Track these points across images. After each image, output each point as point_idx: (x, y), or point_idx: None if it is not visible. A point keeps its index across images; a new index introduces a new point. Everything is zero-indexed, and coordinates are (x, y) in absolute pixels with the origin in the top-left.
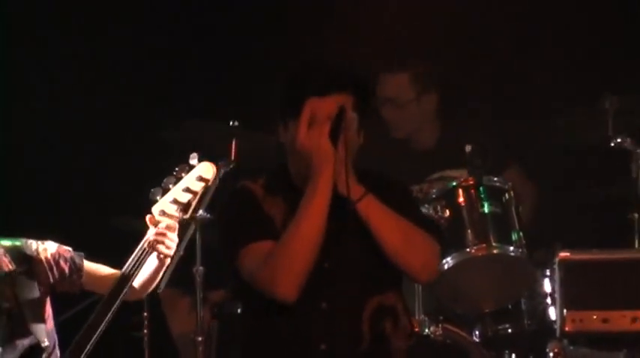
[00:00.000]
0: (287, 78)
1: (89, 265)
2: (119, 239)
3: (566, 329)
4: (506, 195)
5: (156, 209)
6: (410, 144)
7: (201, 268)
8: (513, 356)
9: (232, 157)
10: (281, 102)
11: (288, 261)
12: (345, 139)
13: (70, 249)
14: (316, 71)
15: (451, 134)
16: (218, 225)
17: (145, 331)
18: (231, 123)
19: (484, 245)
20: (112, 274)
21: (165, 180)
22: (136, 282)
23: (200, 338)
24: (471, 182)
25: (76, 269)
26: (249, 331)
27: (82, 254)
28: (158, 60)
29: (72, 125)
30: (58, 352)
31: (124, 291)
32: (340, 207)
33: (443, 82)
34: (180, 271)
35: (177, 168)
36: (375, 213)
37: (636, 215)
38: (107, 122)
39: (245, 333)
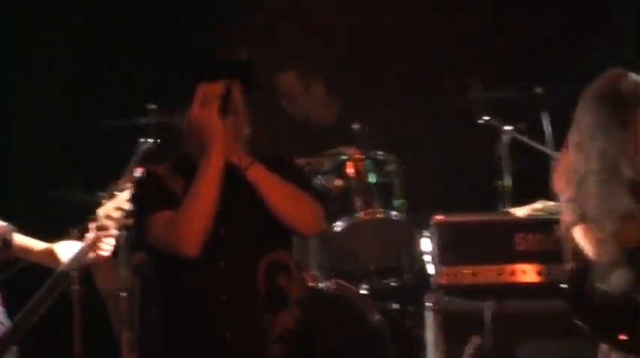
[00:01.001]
0: (184, 71)
1: (21, 240)
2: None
3: (441, 282)
4: (390, 166)
5: (100, 211)
6: (309, 124)
7: (124, 233)
8: (396, 306)
9: None
10: (179, 92)
11: (189, 221)
12: (233, 115)
13: (4, 224)
14: (208, 62)
15: (344, 114)
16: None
17: (77, 287)
18: None
19: (370, 210)
20: (44, 249)
21: (112, 186)
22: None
23: (123, 294)
24: (358, 155)
25: (5, 245)
26: (161, 288)
27: (14, 228)
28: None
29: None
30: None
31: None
32: (232, 175)
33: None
34: None
35: (122, 179)
36: (263, 179)
37: (500, 183)
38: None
39: (159, 290)
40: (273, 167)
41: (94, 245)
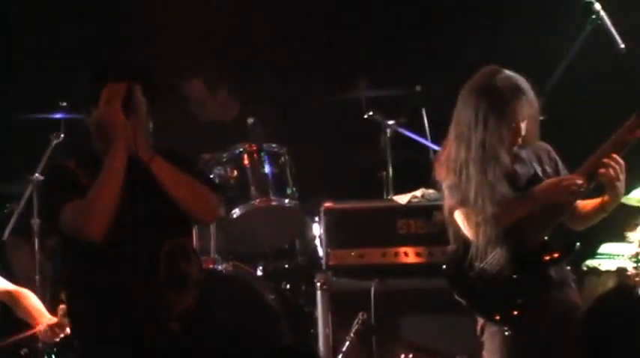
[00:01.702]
0: (90, 73)
1: None
2: None
3: (331, 263)
4: (282, 158)
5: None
6: (215, 122)
7: (37, 220)
8: (289, 286)
9: None
10: (85, 92)
11: (95, 208)
12: (135, 113)
13: None
14: (113, 65)
15: (242, 110)
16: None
17: None
18: None
19: (265, 198)
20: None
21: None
22: None
23: (37, 277)
24: (254, 148)
25: None
26: (71, 271)
27: None
28: None
29: None
30: None
31: None
32: (136, 167)
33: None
34: (21, 222)
35: None
36: (164, 171)
37: (384, 173)
38: None
39: (68, 273)
40: (172, 160)
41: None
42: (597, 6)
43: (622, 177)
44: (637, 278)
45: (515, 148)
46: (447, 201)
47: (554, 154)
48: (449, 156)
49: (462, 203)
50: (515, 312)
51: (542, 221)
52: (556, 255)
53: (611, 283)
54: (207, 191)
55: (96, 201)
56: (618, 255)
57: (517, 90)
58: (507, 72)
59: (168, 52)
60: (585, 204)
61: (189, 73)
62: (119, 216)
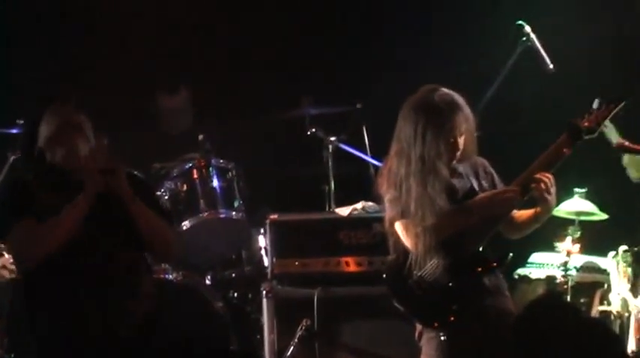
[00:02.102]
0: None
1: None
2: None
3: (276, 272)
4: (230, 173)
5: None
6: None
7: None
8: (236, 294)
9: None
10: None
11: (43, 246)
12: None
13: None
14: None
15: (197, 127)
16: None
17: None
18: None
19: (213, 211)
20: None
21: None
22: None
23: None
24: (203, 163)
25: None
26: (29, 281)
27: None
28: None
29: None
30: None
31: None
32: (106, 199)
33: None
34: None
35: None
36: (143, 215)
37: (327, 187)
38: None
39: (27, 283)
40: (133, 184)
41: None
42: (527, 28)
43: (553, 191)
44: (565, 286)
45: (454, 163)
46: (388, 212)
47: (490, 169)
48: (390, 171)
49: (402, 215)
50: (451, 318)
51: (478, 232)
52: (490, 265)
53: (541, 290)
54: (171, 234)
55: (46, 241)
56: (548, 264)
57: (454, 107)
58: (445, 89)
59: (132, 65)
60: (520, 215)
61: (153, 85)
62: (85, 230)
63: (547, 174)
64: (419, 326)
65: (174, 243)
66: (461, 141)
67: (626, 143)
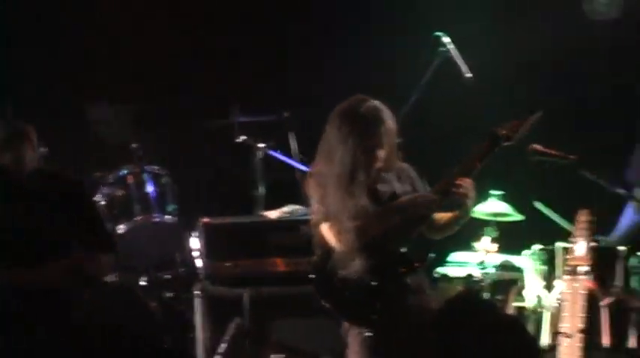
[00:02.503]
0: None
1: None
2: None
3: (208, 273)
4: (164, 178)
5: None
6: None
7: None
8: (170, 294)
9: None
10: None
11: None
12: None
13: None
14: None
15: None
16: None
17: None
18: None
19: (147, 215)
20: None
21: None
22: None
23: None
24: (137, 169)
25: None
26: None
27: None
28: None
29: None
30: None
31: None
32: (24, 190)
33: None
34: None
35: None
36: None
37: (256, 191)
38: None
39: None
40: (74, 198)
41: None
42: (445, 39)
43: (472, 195)
44: (483, 284)
45: (376, 169)
46: (314, 215)
47: (412, 173)
48: (316, 174)
49: (327, 216)
50: (375, 316)
51: (400, 233)
52: (412, 265)
53: (460, 288)
54: (106, 256)
55: None
56: (466, 263)
57: (378, 119)
58: (373, 102)
59: (72, 74)
60: (440, 218)
61: (94, 95)
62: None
63: (467, 180)
64: (345, 324)
65: (106, 267)
66: (381, 152)
67: (539, 147)
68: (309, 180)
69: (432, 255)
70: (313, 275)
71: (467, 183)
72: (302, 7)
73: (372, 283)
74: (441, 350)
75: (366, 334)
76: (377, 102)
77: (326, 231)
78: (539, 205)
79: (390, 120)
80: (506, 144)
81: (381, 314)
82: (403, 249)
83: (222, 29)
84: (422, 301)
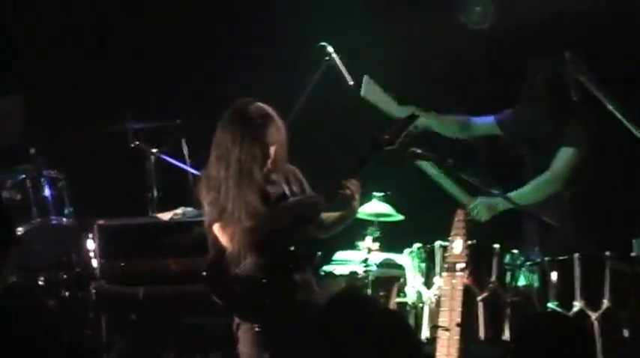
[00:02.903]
0: None
1: None
2: None
3: (103, 272)
4: (61, 182)
5: None
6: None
7: None
8: (67, 293)
9: None
10: None
11: None
12: None
13: None
14: None
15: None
16: None
17: None
18: None
19: (45, 218)
20: None
21: None
22: None
23: None
24: (35, 174)
25: None
26: None
27: None
28: None
29: None
30: None
31: None
32: None
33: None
34: None
35: None
36: None
37: (149, 194)
38: None
39: None
40: None
41: None
42: (330, 49)
43: (357, 196)
44: (366, 280)
45: (267, 170)
46: (207, 215)
47: (300, 175)
48: (209, 176)
49: (220, 216)
50: (265, 312)
51: (289, 233)
52: (301, 262)
53: (344, 285)
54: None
55: None
56: (350, 261)
57: (267, 117)
58: (259, 103)
59: None
60: (327, 217)
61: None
62: None
63: (353, 181)
64: (236, 319)
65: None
66: (272, 149)
67: (418, 150)
68: (201, 183)
69: (320, 254)
70: (206, 273)
71: (352, 185)
72: (198, 17)
73: (263, 280)
74: (326, 345)
75: (257, 329)
76: (263, 104)
77: (219, 231)
78: (423, 164)
79: (278, 120)
80: (388, 148)
81: (270, 309)
82: (292, 248)
83: (120, 36)
84: (310, 297)
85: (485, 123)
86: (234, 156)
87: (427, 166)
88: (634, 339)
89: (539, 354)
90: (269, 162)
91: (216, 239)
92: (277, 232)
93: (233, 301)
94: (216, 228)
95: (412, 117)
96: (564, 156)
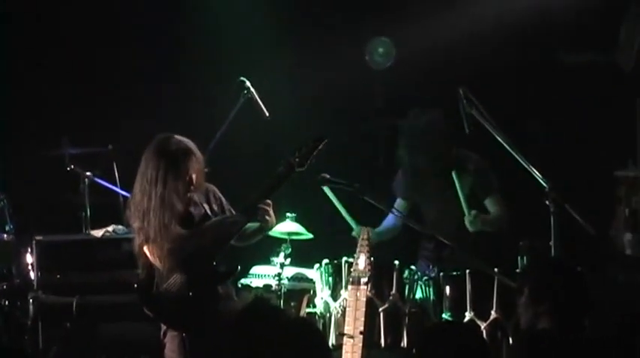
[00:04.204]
0: None
1: None
2: None
3: (41, 284)
4: (1, 201)
5: None
6: None
7: None
8: (7, 302)
9: None
10: None
11: None
12: None
13: None
14: None
15: None
16: None
17: None
18: None
19: None
20: None
21: None
22: None
23: None
24: None
25: None
26: None
27: None
28: None
29: None
30: None
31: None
32: None
33: None
34: None
35: None
36: None
37: (83, 213)
38: None
39: None
40: None
41: None
42: (248, 83)
43: (271, 213)
44: (279, 293)
45: (189, 194)
46: (136, 239)
47: (219, 194)
48: (135, 205)
49: (147, 240)
50: (191, 320)
51: (211, 250)
52: (222, 276)
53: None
54: None
55: None
56: (265, 275)
57: (188, 152)
58: (178, 137)
59: None
60: (247, 228)
61: None
62: None
63: (267, 201)
64: (163, 327)
65: None
66: (194, 177)
67: (327, 176)
68: (129, 210)
69: (239, 268)
70: (138, 288)
71: (267, 205)
72: (125, 49)
73: (189, 293)
74: (241, 349)
75: (183, 335)
76: (181, 137)
77: (148, 251)
78: (326, 189)
79: (197, 151)
80: (299, 169)
81: (195, 318)
82: (214, 263)
83: (56, 62)
84: (230, 307)
85: (400, 205)
86: (157, 191)
87: (327, 191)
88: (516, 347)
89: None
90: (190, 189)
91: (146, 258)
92: (201, 250)
93: (162, 312)
94: (145, 248)
95: (319, 140)
96: (496, 201)
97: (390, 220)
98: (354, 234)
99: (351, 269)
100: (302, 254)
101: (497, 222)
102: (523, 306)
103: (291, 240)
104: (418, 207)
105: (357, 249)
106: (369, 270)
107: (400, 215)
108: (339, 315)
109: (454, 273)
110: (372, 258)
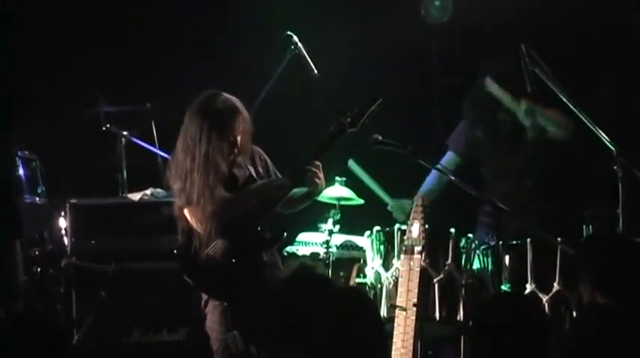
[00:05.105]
0: None
1: None
2: None
3: (74, 250)
4: (34, 162)
5: None
6: None
7: None
8: (39, 269)
9: None
10: None
11: None
12: None
13: None
14: None
15: None
16: None
17: None
18: None
19: (19, 196)
20: None
21: None
22: None
23: None
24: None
25: None
26: None
27: None
28: None
29: None
30: None
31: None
32: None
33: None
34: None
35: None
36: None
37: (120, 175)
38: None
39: None
40: None
41: None
42: (295, 38)
43: (321, 176)
44: (327, 261)
45: (232, 156)
46: (177, 201)
47: (264, 156)
48: (177, 165)
49: (189, 203)
50: (234, 289)
51: (256, 214)
52: (267, 243)
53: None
54: None
55: None
56: (312, 243)
57: (234, 111)
58: (225, 95)
59: None
60: (294, 193)
61: None
62: None
63: (316, 163)
64: (204, 296)
65: None
66: (239, 139)
67: (380, 137)
68: (169, 170)
69: (285, 235)
70: (177, 253)
71: (316, 167)
72: (167, 6)
73: (232, 260)
74: (286, 319)
75: (225, 305)
76: (228, 95)
77: (189, 214)
78: (353, 166)
79: (244, 111)
80: (350, 130)
81: (239, 287)
82: (259, 229)
83: (92, 20)
84: (276, 275)
85: (450, 161)
86: (201, 149)
87: (355, 168)
88: (580, 322)
89: (495, 332)
90: (235, 151)
91: (187, 221)
92: (245, 214)
93: (203, 279)
94: (186, 211)
95: (374, 101)
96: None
97: (432, 179)
98: (389, 208)
99: (404, 238)
100: (352, 220)
101: (560, 119)
102: (582, 281)
103: (341, 206)
104: (474, 166)
105: (411, 216)
106: (423, 238)
107: (446, 171)
108: (390, 286)
109: (514, 242)
110: (426, 226)
